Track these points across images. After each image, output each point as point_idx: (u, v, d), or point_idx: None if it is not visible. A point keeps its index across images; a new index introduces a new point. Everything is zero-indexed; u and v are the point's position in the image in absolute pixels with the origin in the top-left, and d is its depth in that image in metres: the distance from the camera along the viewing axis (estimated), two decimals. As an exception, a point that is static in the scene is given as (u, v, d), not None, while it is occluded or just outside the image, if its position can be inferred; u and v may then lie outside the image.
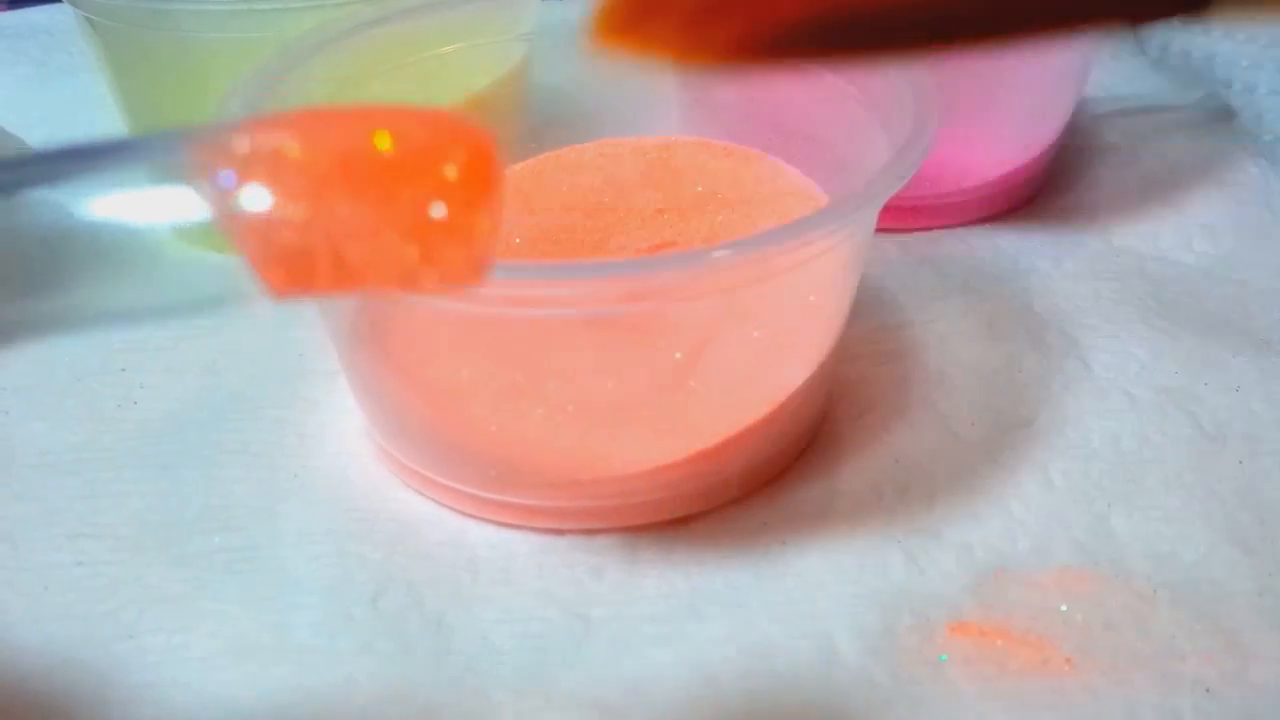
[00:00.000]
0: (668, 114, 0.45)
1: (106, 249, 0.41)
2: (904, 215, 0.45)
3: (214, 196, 0.18)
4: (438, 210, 0.17)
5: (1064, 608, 0.31)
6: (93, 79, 0.48)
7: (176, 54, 0.42)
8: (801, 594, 0.31)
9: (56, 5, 0.63)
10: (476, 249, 0.18)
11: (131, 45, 0.43)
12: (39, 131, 0.51)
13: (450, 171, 0.18)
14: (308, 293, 0.18)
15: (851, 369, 0.39)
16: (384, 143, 0.18)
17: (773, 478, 0.35)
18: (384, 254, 0.18)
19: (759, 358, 0.33)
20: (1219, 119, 0.53)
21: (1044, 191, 0.48)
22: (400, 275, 0.18)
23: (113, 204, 0.20)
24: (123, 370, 0.39)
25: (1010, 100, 0.44)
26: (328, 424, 0.37)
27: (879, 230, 0.34)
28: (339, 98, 0.38)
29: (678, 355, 0.31)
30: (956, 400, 0.38)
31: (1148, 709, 0.29)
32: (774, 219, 0.36)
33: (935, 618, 0.31)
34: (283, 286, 0.18)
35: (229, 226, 0.18)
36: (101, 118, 0.50)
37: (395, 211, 0.17)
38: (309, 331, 0.40)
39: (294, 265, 0.18)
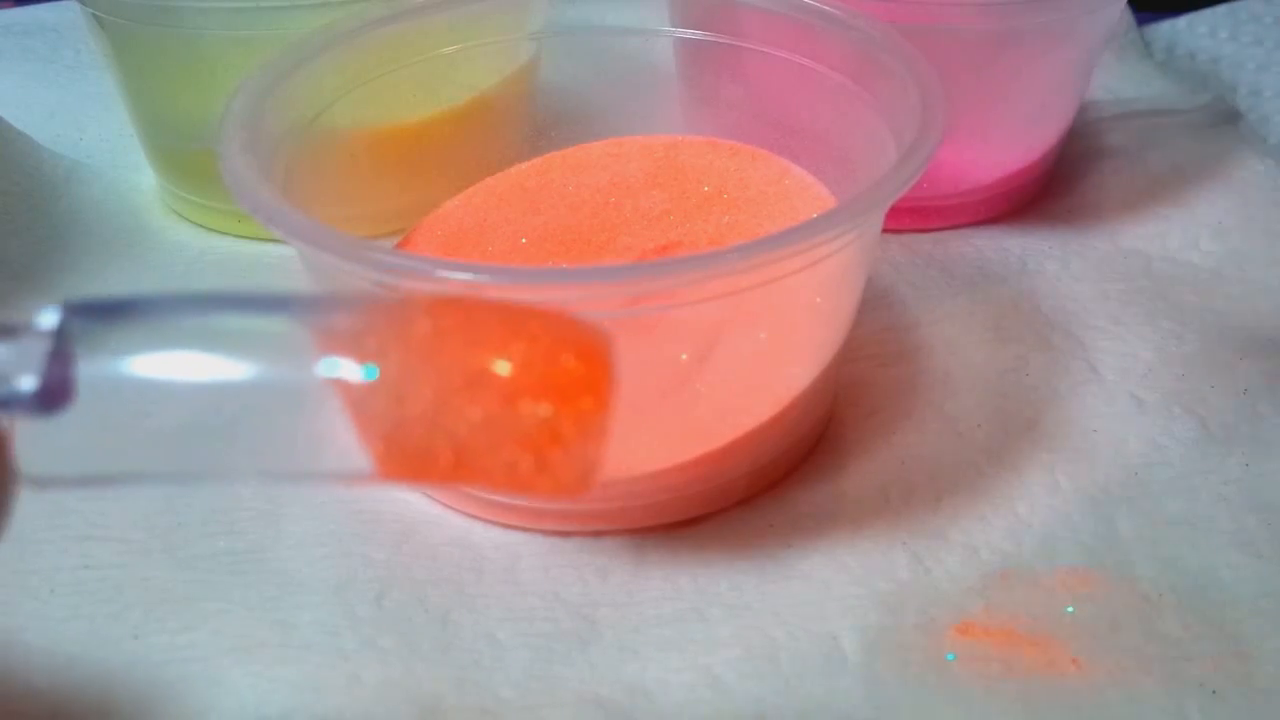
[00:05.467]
0: (674, 113, 0.45)
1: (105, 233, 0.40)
2: (910, 216, 0.45)
3: (336, 377, 0.19)
4: (558, 424, 0.18)
5: (1070, 609, 0.31)
6: (99, 76, 0.49)
7: (183, 51, 0.42)
8: (807, 596, 0.31)
9: (63, 2, 0.63)
10: (587, 462, 0.19)
11: (138, 42, 0.43)
12: (46, 128, 0.51)
13: (569, 390, 0.19)
14: (416, 483, 0.19)
15: (858, 370, 0.39)
16: (513, 354, 0.19)
17: (778, 480, 0.35)
18: (501, 460, 0.19)
19: (765, 360, 0.33)
20: (1225, 121, 0.52)
21: (1050, 193, 0.48)
22: (511, 480, 0.19)
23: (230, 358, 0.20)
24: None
25: (1015, 101, 0.44)
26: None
27: (885, 231, 0.34)
28: (347, 96, 0.38)
29: (683, 357, 0.31)
30: (963, 402, 0.37)
31: (1153, 711, 0.29)
32: (781, 219, 0.36)
33: (941, 619, 0.31)
34: (396, 476, 0.19)
35: (350, 409, 0.19)
36: (108, 115, 0.50)
37: (516, 423, 0.18)
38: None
39: (413, 461, 0.19)
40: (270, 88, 0.35)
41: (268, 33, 0.41)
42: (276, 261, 0.44)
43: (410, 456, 0.19)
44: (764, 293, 0.30)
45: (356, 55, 0.38)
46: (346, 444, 0.20)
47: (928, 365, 0.39)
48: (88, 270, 0.44)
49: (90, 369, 0.19)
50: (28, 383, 0.18)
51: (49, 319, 0.19)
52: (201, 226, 0.47)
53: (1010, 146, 0.46)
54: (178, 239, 0.46)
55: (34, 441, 0.19)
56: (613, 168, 0.39)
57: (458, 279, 0.27)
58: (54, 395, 0.19)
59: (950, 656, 0.30)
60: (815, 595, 0.31)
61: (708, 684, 0.29)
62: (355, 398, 0.19)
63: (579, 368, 0.19)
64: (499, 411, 0.18)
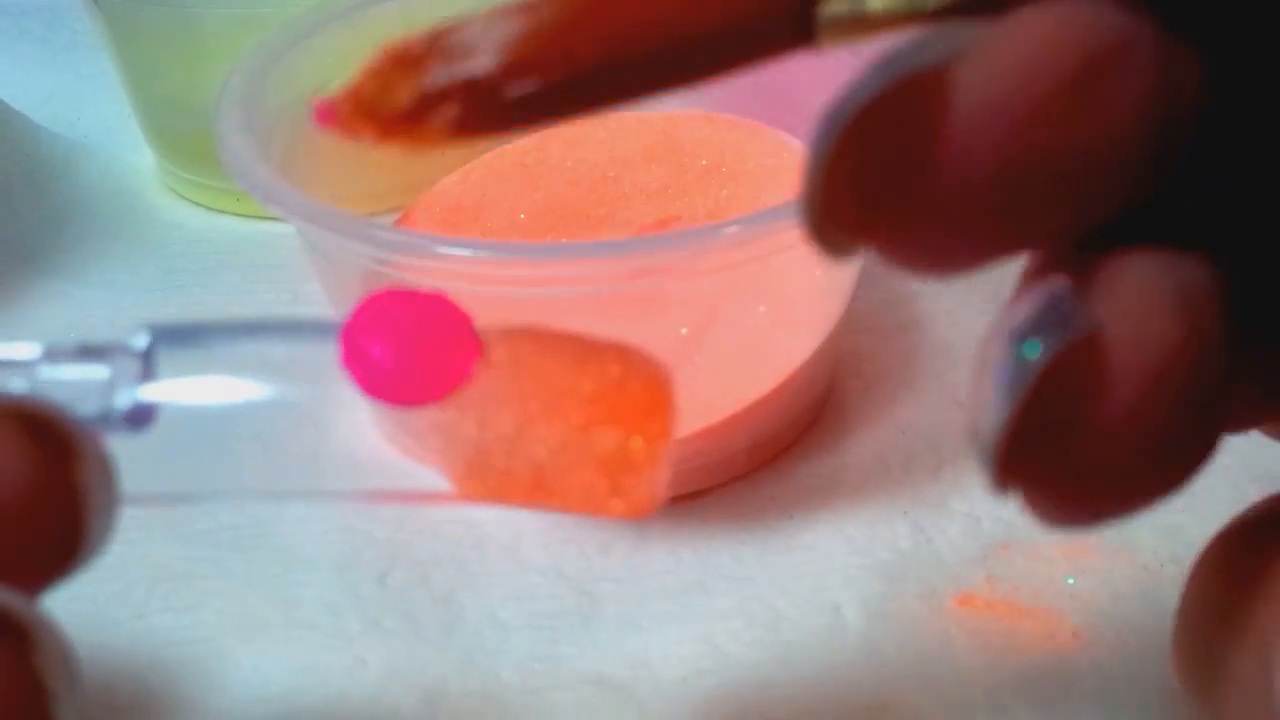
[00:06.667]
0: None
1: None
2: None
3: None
4: (631, 449, 0.20)
5: (1071, 580, 0.31)
6: (97, 55, 0.48)
7: (179, 29, 0.42)
8: (809, 567, 0.31)
9: (59, -19, 0.63)
10: (655, 485, 0.20)
11: (135, 20, 0.43)
12: (44, 109, 0.51)
13: (639, 417, 0.20)
14: (495, 503, 0.20)
15: (858, 342, 0.39)
16: (587, 384, 0.20)
17: (780, 452, 0.35)
18: (577, 483, 0.20)
19: (765, 333, 0.33)
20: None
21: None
22: (587, 501, 0.20)
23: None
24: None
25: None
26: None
27: (885, 203, 0.33)
28: (343, 75, 0.38)
29: (683, 331, 0.31)
30: (963, 372, 0.37)
31: (1154, 682, 0.29)
32: (779, 193, 0.36)
33: (942, 590, 0.31)
34: (475, 496, 0.20)
35: (430, 433, 0.20)
36: (106, 94, 0.50)
37: (591, 448, 0.20)
38: (314, 307, 0.40)
39: (492, 482, 0.20)
40: (268, 66, 0.35)
41: (265, 10, 0.41)
42: (275, 240, 0.44)
43: (490, 478, 0.20)
44: (763, 266, 0.30)
45: (354, 32, 0.38)
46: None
47: (928, 336, 0.39)
48: (87, 250, 0.44)
49: (170, 389, 0.20)
50: (123, 401, 0.19)
51: (140, 341, 0.20)
52: (200, 205, 0.47)
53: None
54: (176, 218, 0.46)
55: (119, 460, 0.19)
56: (610, 143, 0.39)
57: (457, 256, 0.27)
58: (144, 414, 0.19)
59: (951, 628, 0.30)
60: (817, 566, 0.31)
61: (710, 655, 0.29)
62: (437, 422, 0.20)
63: (646, 396, 0.20)
64: (575, 438, 0.19)
